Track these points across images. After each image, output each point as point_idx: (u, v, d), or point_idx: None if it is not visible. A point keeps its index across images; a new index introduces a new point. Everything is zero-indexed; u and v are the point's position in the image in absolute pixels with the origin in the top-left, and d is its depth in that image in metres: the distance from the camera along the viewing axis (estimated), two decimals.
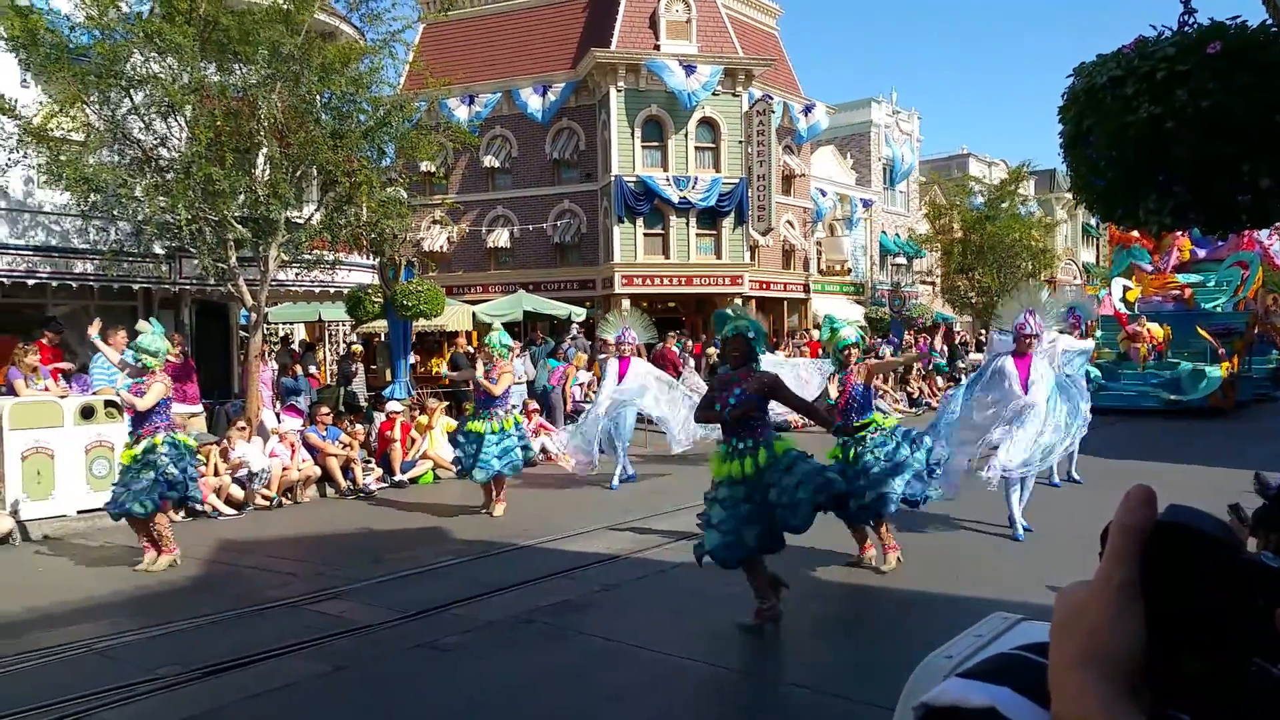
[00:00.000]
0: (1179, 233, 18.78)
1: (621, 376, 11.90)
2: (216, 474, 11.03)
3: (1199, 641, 0.72)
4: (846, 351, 7.70)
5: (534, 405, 15.62)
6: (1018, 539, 8.34)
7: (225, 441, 11.44)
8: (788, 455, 6.09)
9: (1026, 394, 8.35)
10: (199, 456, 10.92)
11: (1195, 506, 0.76)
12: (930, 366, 26.28)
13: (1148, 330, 20.52)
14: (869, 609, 6.65)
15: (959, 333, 32.32)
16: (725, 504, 6.03)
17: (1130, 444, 14.51)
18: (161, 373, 8.26)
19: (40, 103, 11.61)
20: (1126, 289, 23.37)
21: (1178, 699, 0.73)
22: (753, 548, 5.95)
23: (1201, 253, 23.23)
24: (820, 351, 22.98)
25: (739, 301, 26.89)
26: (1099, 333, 24.11)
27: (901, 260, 39.82)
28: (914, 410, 23.46)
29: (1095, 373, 20.26)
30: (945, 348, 28.68)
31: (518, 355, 16.49)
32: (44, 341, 11.35)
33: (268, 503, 11.20)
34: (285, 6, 11.73)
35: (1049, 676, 0.75)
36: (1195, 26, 3.61)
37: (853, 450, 7.46)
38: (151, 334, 8.30)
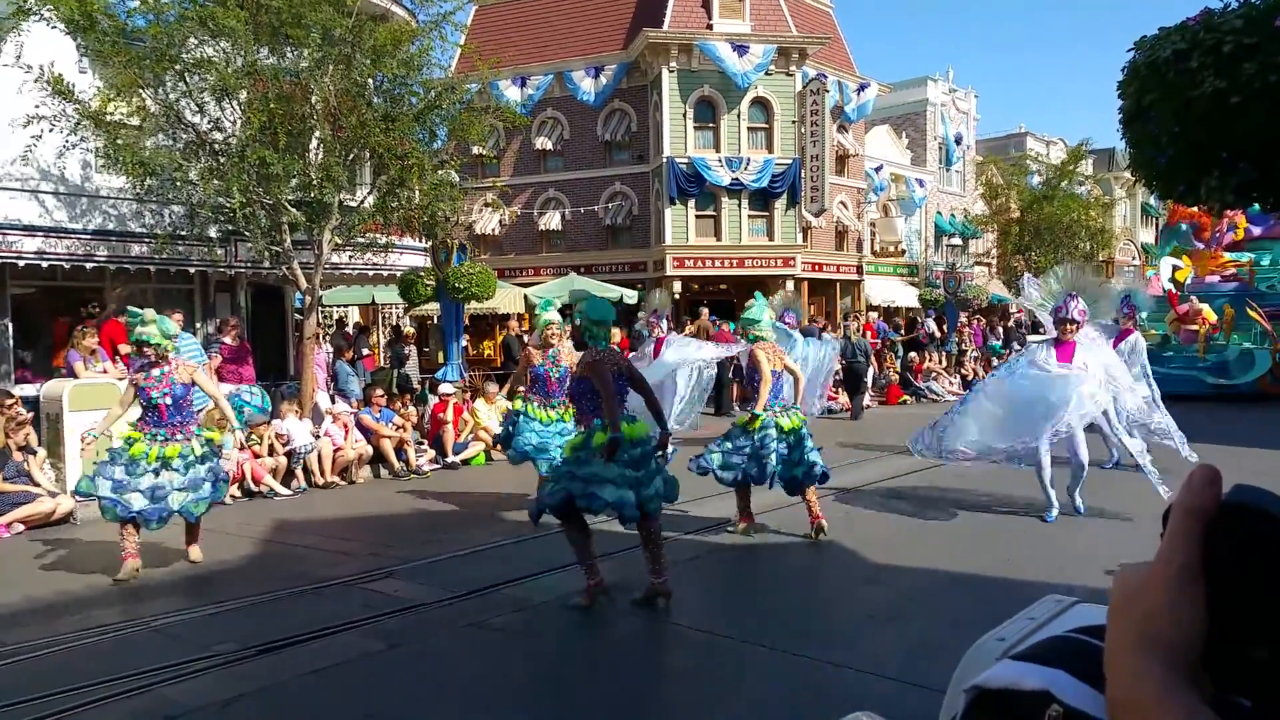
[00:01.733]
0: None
1: (655, 356, 11.71)
2: (271, 453, 11.24)
3: (1264, 628, 0.68)
4: (548, 331, 7.84)
5: None
6: (1047, 520, 8.26)
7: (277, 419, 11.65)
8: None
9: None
10: (254, 436, 11.17)
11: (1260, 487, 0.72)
12: (987, 348, 25.89)
13: (1201, 312, 19.68)
14: (919, 591, 6.56)
15: (1015, 314, 31.75)
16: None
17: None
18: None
19: (97, 88, 11.83)
20: (1176, 268, 22.60)
21: (1240, 686, 0.69)
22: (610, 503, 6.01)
23: (1257, 230, 22.44)
24: (875, 334, 22.77)
25: (790, 284, 26.69)
26: (1143, 314, 23.36)
27: (957, 241, 39.19)
28: (967, 393, 23.13)
29: None
30: (1001, 330, 28.25)
31: (566, 336, 16.53)
32: (121, 320, 11.63)
33: (311, 484, 11.37)
34: None
35: (1105, 659, 0.73)
36: None
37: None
38: (154, 319, 7.55)
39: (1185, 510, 0.71)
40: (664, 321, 12.78)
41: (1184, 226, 22.55)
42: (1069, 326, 8.09)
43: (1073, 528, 8.09)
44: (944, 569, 6.94)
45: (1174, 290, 21.25)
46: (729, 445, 7.98)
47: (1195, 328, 19.33)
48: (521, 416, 9.28)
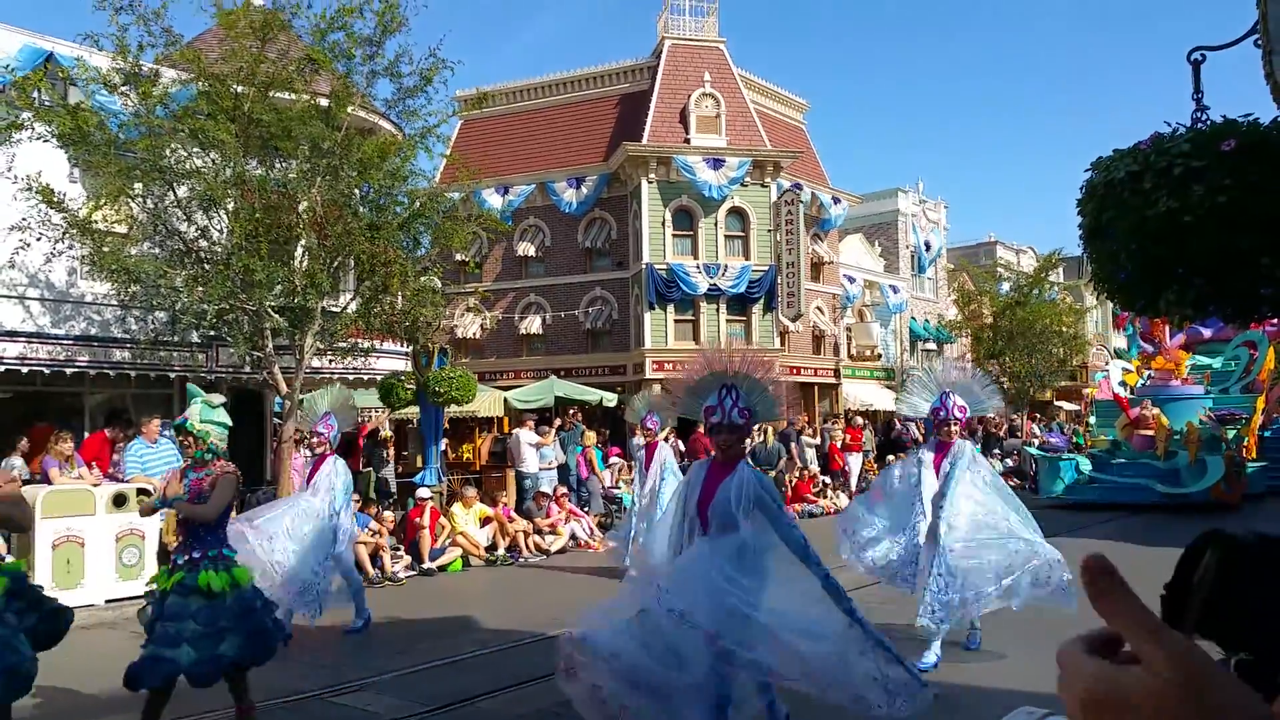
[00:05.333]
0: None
1: (648, 464, 11.29)
2: None
3: (1249, 639, 0.70)
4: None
5: (563, 490, 15.61)
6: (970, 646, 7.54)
7: None
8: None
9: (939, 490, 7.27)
10: None
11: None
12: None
13: (1154, 416, 18.69)
14: None
15: (993, 418, 32.04)
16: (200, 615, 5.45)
17: (1135, 535, 14.19)
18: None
19: (86, 197, 12.03)
20: (1126, 371, 22.32)
21: None
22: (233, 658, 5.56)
23: (1207, 333, 21.70)
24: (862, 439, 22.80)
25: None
26: (1093, 418, 23.01)
27: (932, 346, 39.74)
28: None
29: (1086, 465, 19.48)
30: (981, 433, 28.47)
31: (548, 442, 16.56)
32: (106, 433, 11.62)
33: None
34: (326, 105, 12.18)
35: None
36: (1209, 123, 3.68)
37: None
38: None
39: (1123, 612, 0.69)
40: (658, 417, 11.51)
41: (1131, 328, 21.92)
42: (948, 429, 7.39)
43: (1046, 633, 8.03)
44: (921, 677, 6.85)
45: (1124, 395, 20.60)
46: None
47: (1148, 432, 18.62)
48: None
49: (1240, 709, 0.64)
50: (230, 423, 6.02)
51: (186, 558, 5.55)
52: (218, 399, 6.03)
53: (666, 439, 11.90)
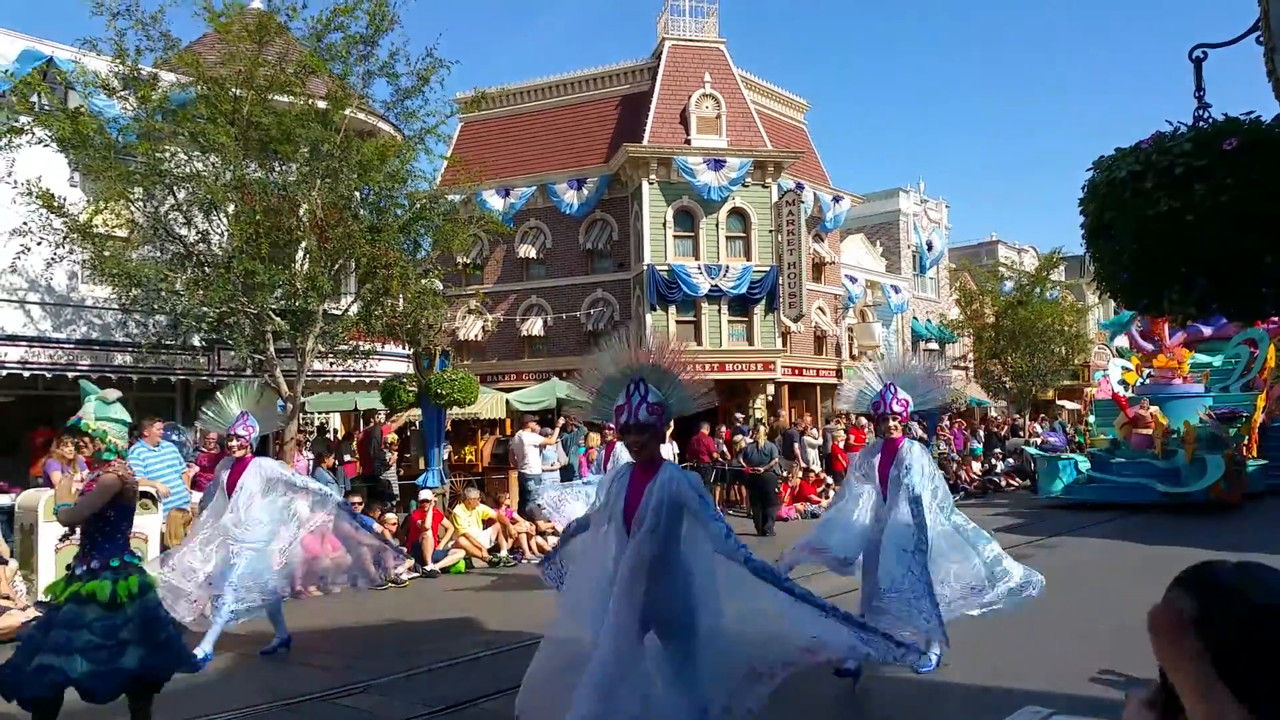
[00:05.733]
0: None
1: (606, 463, 10.56)
2: None
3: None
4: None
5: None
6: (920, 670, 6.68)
7: None
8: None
9: (885, 502, 6.66)
10: None
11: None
12: (967, 451, 26.01)
13: (1152, 415, 18.67)
14: (901, 700, 6.48)
15: (995, 418, 32.01)
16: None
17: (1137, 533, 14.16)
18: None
19: (86, 201, 12.04)
20: (1125, 370, 22.24)
21: None
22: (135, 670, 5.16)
23: (1207, 331, 21.43)
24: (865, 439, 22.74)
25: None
26: (1092, 418, 23.01)
27: (934, 346, 39.74)
28: (954, 496, 23.14)
29: (1085, 464, 19.41)
30: (983, 433, 28.45)
31: (551, 443, 16.55)
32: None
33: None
34: (323, 107, 12.18)
35: None
36: (1210, 122, 3.67)
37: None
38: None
39: (1184, 665, 0.70)
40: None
41: (1127, 314, 21.33)
42: (890, 424, 6.81)
43: (1051, 633, 8.03)
44: (927, 679, 6.86)
45: (1122, 394, 20.50)
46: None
47: (1147, 431, 18.58)
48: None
49: None
50: (129, 419, 5.74)
51: (85, 567, 5.23)
52: (113, 394, 5.69)
53: (664, 441, 11.53)
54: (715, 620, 4.21)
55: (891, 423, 6.79)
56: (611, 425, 9.89)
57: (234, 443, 8.23)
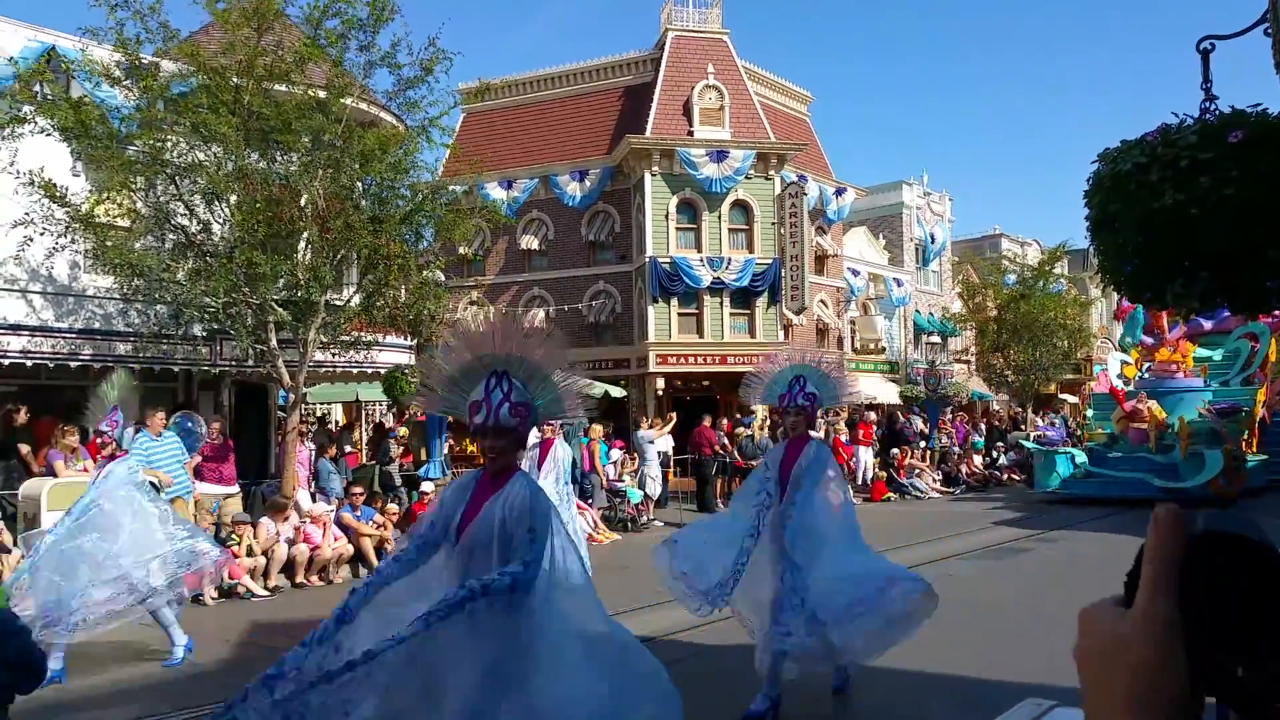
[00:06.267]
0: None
1: (541, 462, 9.92)
2: (250, 554, 11.09)
3: (1247, 650, 0.69)
4: None
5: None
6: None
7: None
8: None
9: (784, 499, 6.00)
10: (234, 535, 11.03)
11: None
12: (968, 444, 26.01)
13: (1148, 409, 18.56)
14: (900, 693, 6.48)
15: (997, 411, 32.00)
16: None
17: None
18: None
19: (88, 191, 12.02)
20: (1124, 364, 22.05)
21: (1237, 706, 0.70)
22: None
23: (1208, 325, 21.24)
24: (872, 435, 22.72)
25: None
26: (1090, 411, 22.86)
27: (936, 339, 39.70)
28: (952, 490, 23.17)
29: (1081, 458, 19.33)
30: (984, 427, 28.46)
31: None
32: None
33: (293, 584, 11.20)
34: (321, 96, 12.14)
35: (1086, 714, 0.71)
36: (1217, 114, 3.64)
37: None
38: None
39: (1161, 558, 0.72)
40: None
41: (1131, 319, 21.02)
42: (795, 418, 6.26)
43: (1051, 623, 8.02)
44: (916, 669, 6.82)
45: (1119, 387, 20.33)
46: None
47: (1143, 425, 18.45)
48: None
49: (1168, 674, 0.69)
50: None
51: None
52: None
53: (652, 440, 11.54)
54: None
55: (795, 417, 6.26)
56: (552, 423, 9.38)
57: (100, 439, 7.75)
